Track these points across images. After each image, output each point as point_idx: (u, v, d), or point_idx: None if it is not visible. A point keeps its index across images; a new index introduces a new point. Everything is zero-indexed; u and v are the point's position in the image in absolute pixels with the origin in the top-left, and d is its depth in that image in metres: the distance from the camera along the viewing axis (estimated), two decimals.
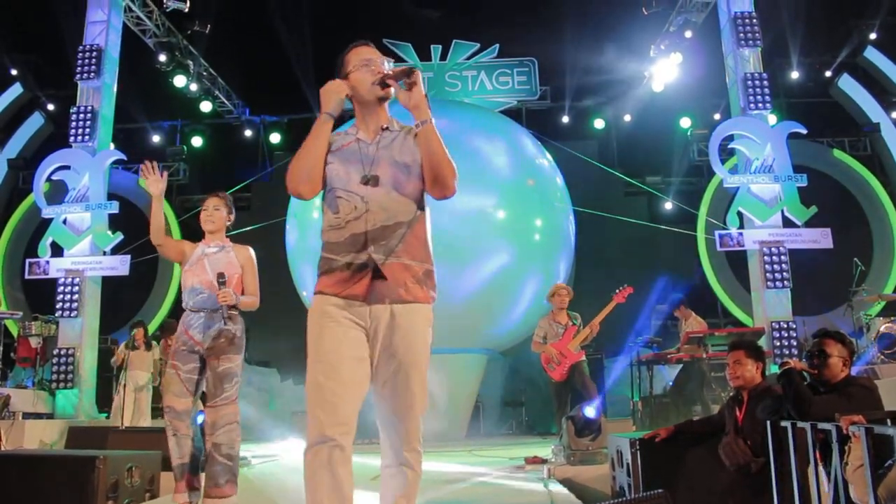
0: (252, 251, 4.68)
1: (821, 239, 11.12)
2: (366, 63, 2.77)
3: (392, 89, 2.72)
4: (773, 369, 4.69)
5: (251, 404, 11.65)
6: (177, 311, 4.40)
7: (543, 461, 7.09)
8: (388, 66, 2.78)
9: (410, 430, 2.66)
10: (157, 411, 10.05)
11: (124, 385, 9.53)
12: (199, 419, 5.48)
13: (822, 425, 3.44)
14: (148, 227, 4.58)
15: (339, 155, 2.76)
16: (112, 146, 12.47)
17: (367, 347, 2.61)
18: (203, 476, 4.41)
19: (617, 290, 7.81)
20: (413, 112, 2.68)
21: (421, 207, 2.73)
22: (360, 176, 2.67)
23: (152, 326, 13.54)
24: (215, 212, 4.61)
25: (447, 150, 2.67)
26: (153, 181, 4.55)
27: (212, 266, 4.45)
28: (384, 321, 2.61)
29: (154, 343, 10.12)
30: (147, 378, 9.88)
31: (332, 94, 2.74)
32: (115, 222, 11.87)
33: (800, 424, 3.62)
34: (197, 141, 17.34)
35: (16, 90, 16.91)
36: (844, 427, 3.17)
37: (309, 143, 2.73)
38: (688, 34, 13.58)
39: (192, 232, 4.73)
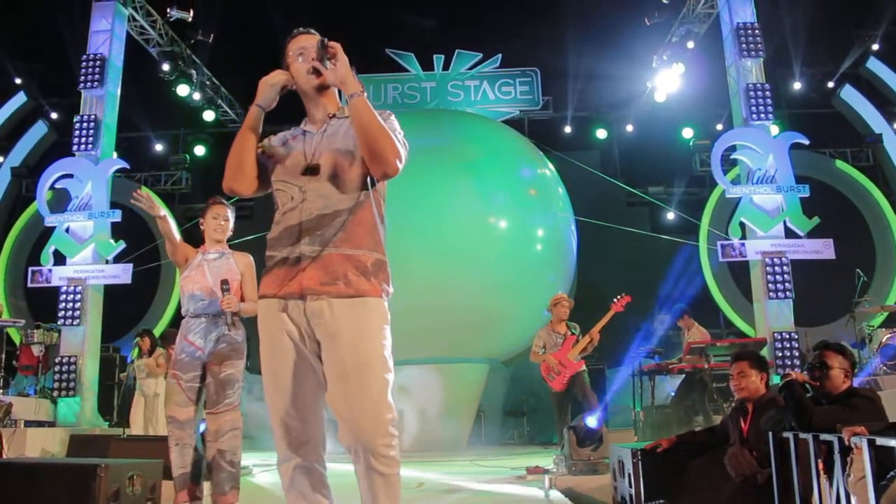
0: (251, 258, 4.69)
1: (823, 250, 11.10)
2: (301, 52, 2.64)
3: (328, 74, 2.54)
4: (776, 380, 4.68)
5: (251, 413, 11.63)
6: (179, 319, 4.38)
7: (545, 471, 7.07)
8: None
9: (375, 442, 2.34)
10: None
11: (135, 395, 9.54)
12: (202, 427, 5.47)
13: (824, 436, 3.43)
14: (151, 235, 4.59)
15: (285, 149, 2.66)
16: (115, 155, 12.49)
17: (311, 355, 2.43)
18: (204, 485, 4.41)
19: (615, 300, 7.82)
20: (341, 88, 2.53)
21: (367, 193, 2.52)
22: (301, 167, 2.53)
23: (155, 333, 13.51)
24: (225, 222, 4.64)
25: (382, 123, 2.46)
26: (149, 208, 4.53)
27: (212, 272, 4.46)
28: (325, 319, 2.39)
29: (160, 349, 10.09)
30: (155, 385, 9.83)
31: (266, 86, 2.62)
32: (117, 231, 11.87)
33: (802, 435, 3.61)
34: (199, 150, 17.37)
35: (20, 99, 16.97)
36: (847, 438, 3.16)
37: (237, 137, 2.60)
38: (690, 45, 13.60)
39: (194, 240, 4.72)
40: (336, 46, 2.50)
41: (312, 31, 2.74)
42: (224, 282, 4.39)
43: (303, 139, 2.65)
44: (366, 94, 2.47)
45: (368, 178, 2.54)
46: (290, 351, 2.42)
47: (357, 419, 2.34)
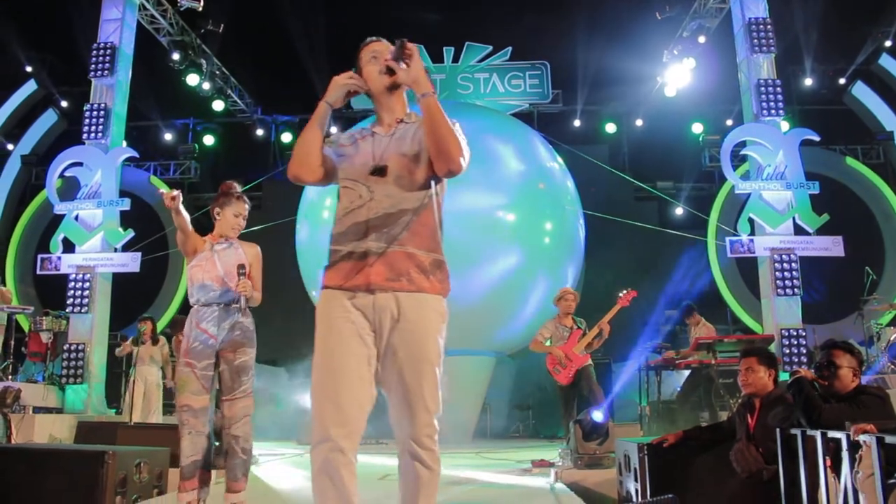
0: (258, 248, 4.70)
1: (832, 247, 11.06)
2: (374, 55, 2.74)
3: (401, 74, 2.65)
4: (783, 377, 4.67)
5: (258, 402, 11.65)
6: (187, 308, 4.37)
7: (550, 464, 7.09)
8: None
9: (420, 427, 2.50)
10: (167, 408, 10.07)
11: (133, 380, 9.56)
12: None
13: (832, 434, 3.42)
14: (160, 224, 4.58)
15: (354, 149, 2.75)
16: (125, 143, 12.52)
17: (373, 344, 2.54)
18: (213, 471, 4.43)
19: (621, 294, 7.80)
20: (413, 87, 2.64)
21: (430, 195, 2.64)
22: (370, 167, 2.63)
23: (162, 322, 13.56)
24: (244, 221, 4.66)
25: (451, 123, 2.59)
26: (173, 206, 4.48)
27: (222, 262, 4.46)
28: (389, 312, 2.52)
29: (163, 339, 10.12)
30: (157, 374, 9.88)
31: (337, 84, 2.71)
32: (126, 219, 11.90)
33: (810, 432, 3.61)
34: (209, 139, 17.43)
35: (30, 87, 17.02)
36: (854, 435, 3.15)
37: (305, 129, 2.70)
38: (701, 39, 13.55)
39: (203, 229, 4.71)
40: (413, 48, 2.61)
41: (381, 39, 2.82)
42: (241, 266, 4.40)
43: (371, 140, 2.73)
44: (437, 95, 2.60)
45: (432, 181, 2.66)
46: (349, 337, 2.51)
47: (410, 408, 2.49)
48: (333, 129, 14.95)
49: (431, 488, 2.53)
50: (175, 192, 4.39)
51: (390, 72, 2.68)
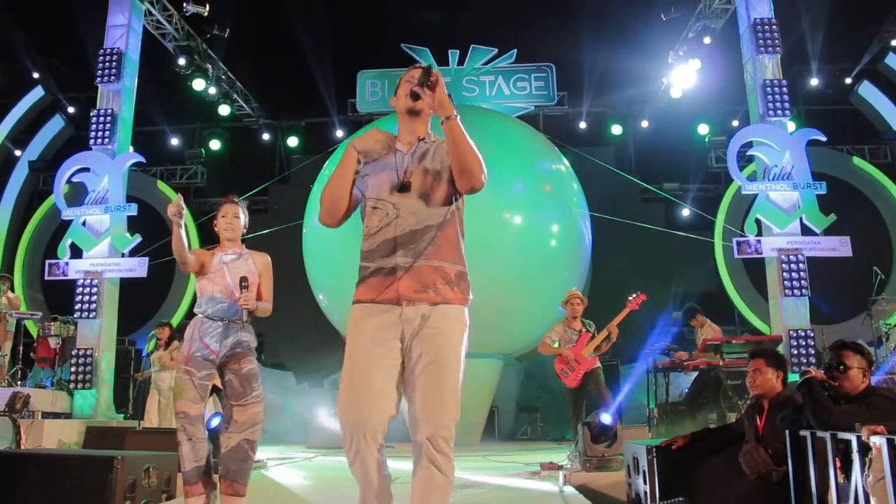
0: (268, 258, 4.70)
1: (840, 247, 11.02)
2: (408, 80, 2.87)
3: (422, 100, 2.80)
4: (792, 378, 4.65)
5: (266, 406, 11.67)
6: (193, 314, 4.38)
7: (559, 467, 7.07)
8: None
9: (438, 429, 2.61)
10: None
11: (148, 386, 9.60)
12: (215, 422, 5.51)
13: (842, 435, 3.41)
14: (167, 229, 4.57)
15: (376, 166, 2.88)
16: (131, 149, 12.54)
17: (399, 354, 2.69)
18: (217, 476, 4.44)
19: (631, 297, 7.79)
20: (437, 111, 2.76)
21: (452, 211, 2.81)
22: (393, 185, 2.78)
23: None
24: (235, 220, 4.62)
25: (473, 144, 2.74)
26: (176, 214, 4.41)
27: (231, 274, 4.47)
28: (416, 323, 2.68)
29: (176, 342, 10.13)
30: (169, 379, 9.89)
31: (370, 138, 2.88)
32: (133, 224, 11.93)
33: (819, 434, 3.60)
34: (215, 144, 17.47)
35: (37, 93, 17.08)
36: (865, 437, 3.14)
37: (333, 176, 2.86)
38: (707, 40, 13.51)
39: (209, 234, 4.72)
40: (437, 74, 2.75)
41: (422, 63, 3.06)
42: (243, 279, 4.40)
43: (394, 157, 2.89)
44: (459, 118, 2.73)
45: (454, 196, 2.84)
46: (378, 345, 2.67)
47: (428, 410, 2.62)
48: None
49: (445, 495, 2.62)
50: (179, 204, 4.31)
51: (415, 96, 2.82)
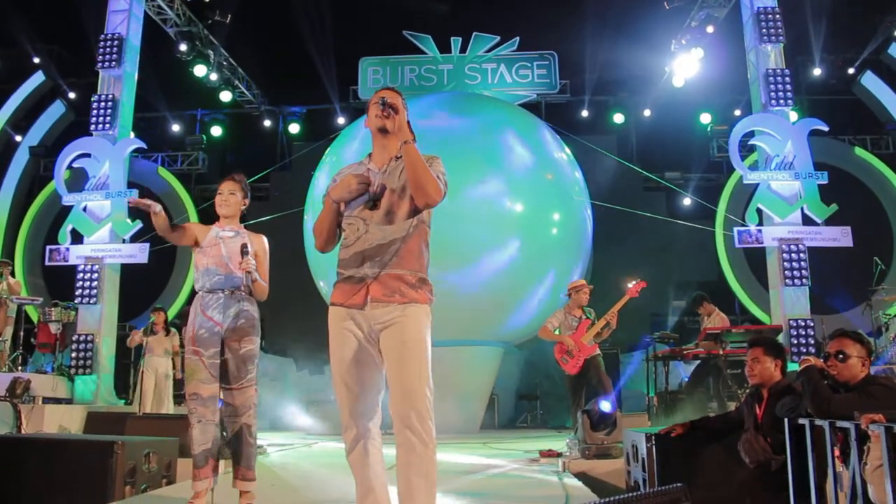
0: (266, 240, 4.68)
1: (841, 237, 11.03)
2: (375, 102, 3.18)
3: (388, 122, 3.14)
4: (792, 367, 4.66)
5: (267, 393, 11.71)
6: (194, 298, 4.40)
7: (558, 454, 7.09)
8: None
9: (413, 399, 2.91)
10: (177, 398, 10.11)
11: (142, 371, 9.62)
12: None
13: (840, 423, 3.41)
14: (168, 215, 4.55)
15: None
16: (132, 135, 12.55)
17: (372, 348, 3.04)
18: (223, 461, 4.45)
19: (630, 284, 7.79)
20: (397, 135, 3.14)
21: (415, 226, 3.10)
22: (364, 203, 3.12)
23: (171, 313, 13.61)
24: (230, 196, 4.61)
25: (426, 165, 3.04)
26: (146, 206, 4.44)
27: (227, 248, 4.45)
28: (384, 318, 3.00)
29: (174, 330, 10.15)
30: (167, 365, 9.94)
31: (344, 188, 3.14)
32: (134, 210, 11.93)
33: (818, 422, 3.60)
34: (216, 130, 17.46)
35: (38, 78, 17.03)
36: (864, 425, 3.14)
37: (320, 225, 3.22)
38: (709, 29, 13.48)
39: (210, 220, 4.70)
40: (395, 102, 3.13)
41: (392, 87, 3.35)
42: (244, 245, 4.39)
43: (367, 175, 3.19)
44: (416, 143, 3.10)
45: (416, 211, 3.12)
46: (353, 345, 3.04)
47: (402, 385, 2.93)
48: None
49: (426, 462, 2.89)
50: (132, 199, 4.46)
51: (384, 131, 3.18)
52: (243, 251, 4.38)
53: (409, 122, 3.21)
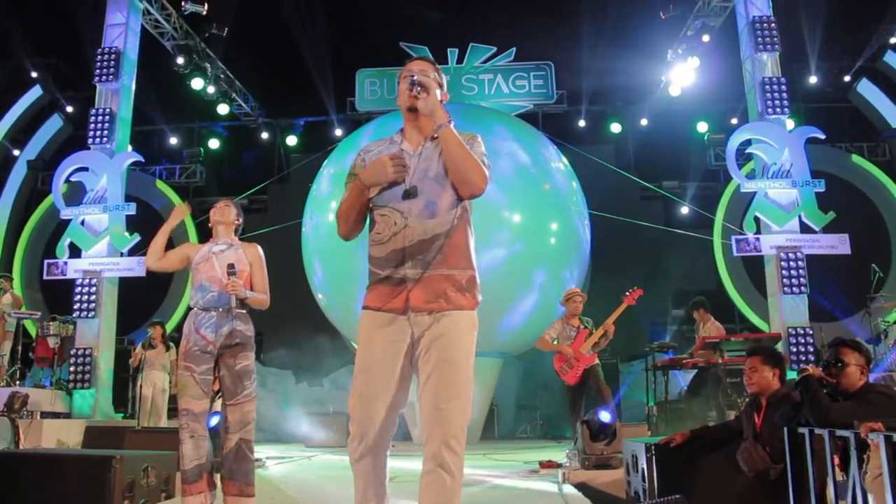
0: (260, 249, 4.69)
1: (839, 245, 11.02)
2: (406, 75, 2.84)
3: (419, 102, 2.75)
4: (791, 375, 4.66)
5: (265, 406, 11.69)
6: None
7: (558, 465, 7.07)
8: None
9: (449, 427, 2.59)
10: (171, 412, 10.10)
11: (140, 385, 9.60)
12: (213, 420, 5.50)
13: (840, 432, 3.41)
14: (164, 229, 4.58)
15: None
16: (130, 148, 12.55)
17: (406, 358, 2.69)
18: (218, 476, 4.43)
19: (627, 292, 7.78)
20: (431, 117, 2.76)
21: (459, 216, 2.76)
22: (400, 191, 2.73)
23: (169, 327, 13.58)
24: (225, 208, 4.67)
25: (467, 150, 2.71)
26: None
27: (220, 264, 4.46)
28: (425, 327, 2.67)
29: (172, 345, 10.15)
30: (164, 378, 9.94)
31: (377, 172, 2.74)
32: (132, 224, 11.92)
33: (817, 431, 3.60)
34: (214, 143, 17.47)
35: (35, 92, 17.07)
36: (863, 434, 3.14)
37: (347, 211, 2.82)
38: (705, 38, 13.50)
39: (208, 234, 4.72)
40: (426, 82, 2.75)
41: (423, 57, 3.06)
42: (230, 265, 4.39)
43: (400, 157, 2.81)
44: (453, 124, 2.72)
45: (459, 200, 2.78)
46: (385, 353, 2.68)
47: (437, 412, 2.59)
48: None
49: (453, 498, 2.58)
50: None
51: (412, 109, 2.80)
52: (229, 272, 4.38)
53: (441, 103, 2.80)
